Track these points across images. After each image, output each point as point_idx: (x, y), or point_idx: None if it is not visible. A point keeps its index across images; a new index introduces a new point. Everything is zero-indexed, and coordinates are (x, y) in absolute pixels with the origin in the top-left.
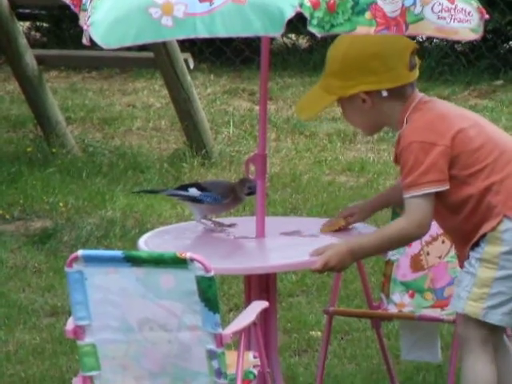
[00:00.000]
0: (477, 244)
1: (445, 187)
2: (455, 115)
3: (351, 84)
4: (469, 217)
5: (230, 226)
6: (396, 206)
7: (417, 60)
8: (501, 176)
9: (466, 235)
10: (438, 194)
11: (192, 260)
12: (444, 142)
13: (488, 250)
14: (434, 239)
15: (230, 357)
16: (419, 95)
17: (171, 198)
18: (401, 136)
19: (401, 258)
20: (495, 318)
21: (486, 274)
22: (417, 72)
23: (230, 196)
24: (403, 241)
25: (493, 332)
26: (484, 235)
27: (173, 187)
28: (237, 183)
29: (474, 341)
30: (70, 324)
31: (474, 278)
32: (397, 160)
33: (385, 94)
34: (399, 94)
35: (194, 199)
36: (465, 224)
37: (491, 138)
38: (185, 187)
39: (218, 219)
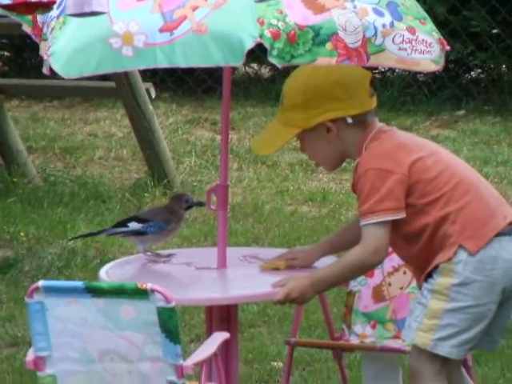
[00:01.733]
0: (430, 275)
1: (401, 215)
2: (413, 144)
3: (315, 113)
4: (424, 247)
5: (168, 256)
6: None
7: (372, 89)
8: (458, 205)
9: (421, 265)
10: (394, 223)
11: (153, 291)
12: (401, 170)
13: (440, 281)
14: (396, 270)
15: None
16: (378, 124)
17: (113, 236)
18: (358, 164)
19: (362, 288)
20: (444, 349)
21: (437, 306)
22: (375, 100)
23: (173, 219)
24: (362, 269)
25: (445, 364)
26: (437, 266)
27: (109, 226)
28: (173, 202)
29: (426, 373)
30: (31, 355)
31: (425, 308)
32: (354, 188)
33: (350, 120)
34: (361, 121)
35: (137, 233)
36: (420, 254)
37: (449, 168)
38: (123, 223)
39: (158, 250)
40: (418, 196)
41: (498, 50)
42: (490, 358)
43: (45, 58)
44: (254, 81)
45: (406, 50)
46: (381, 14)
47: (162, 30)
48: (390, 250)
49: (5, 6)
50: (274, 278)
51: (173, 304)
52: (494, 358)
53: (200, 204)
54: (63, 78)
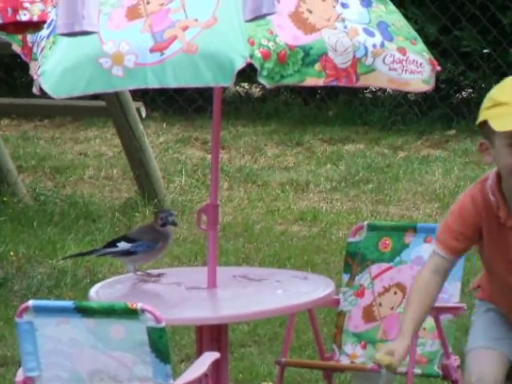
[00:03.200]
0: None
1: None
2: None
3: None
4: None
5: (158, 275)
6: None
7: None
8: None
9: None
10: None
11: (143, 311)
12: None
13: None
14: (387, 290)
15: None
16: None
17: (103, 257)
18: None
19: (353, 309)
20: None
21: None
22: None
23: (160, 238)
24: None
25: None
26: None
27: (99, 246)
28: (154, 219)
29: None
30: (20, 375)
31: None
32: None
33: None
34: None
35: (126, 252)
36: None
37: None
38: (113, 243)
39: (148, 270)
40: None
41: (488, 70)
42: None
43: (35, 77)
44: (244, 100)
45: (396, 70)
46: (371, 34)
47: (152, 50)
48: (381, 270)
49: None
50: (265, 298)
51: (163, 324)
52: None
53: (174, 224)
54: (53, 98)
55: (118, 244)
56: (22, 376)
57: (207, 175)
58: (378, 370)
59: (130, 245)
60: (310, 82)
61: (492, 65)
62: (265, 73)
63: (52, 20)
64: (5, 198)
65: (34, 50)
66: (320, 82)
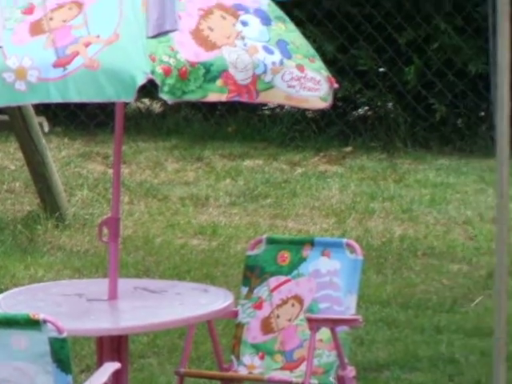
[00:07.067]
0: None
1: None
2: None
3: None
4: None
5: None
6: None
7: None
8: None
9: None
10: None
11: (45, 321)
12: None
13: None
14: (285, 302)
15: None
16: None
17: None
18: None
19: (251, 320)
20: None
21: None
22: None
23: None
24: None
25: None
26: None
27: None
28: None
29: None
30: None
31: None
32: None
33: None
34: None
35: None
36: None
37: None
38: None
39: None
40: None
41: (384, 88)
42: None
43: None
44: (145, 115)
45: (294, 87)
46: (271, 52)
47: (55, 66)
48: (279, 282)
49: None
50: (165, 309)
51: (65, 334)
52: None
53: None
54: None
55: None
56: None
57: (108, 189)
58: (276, 381)
59: None
60: (213, 97)
61: (388, 83)
62: (166, 89)
63: None
64: None
65: None
66: (223, 97)
